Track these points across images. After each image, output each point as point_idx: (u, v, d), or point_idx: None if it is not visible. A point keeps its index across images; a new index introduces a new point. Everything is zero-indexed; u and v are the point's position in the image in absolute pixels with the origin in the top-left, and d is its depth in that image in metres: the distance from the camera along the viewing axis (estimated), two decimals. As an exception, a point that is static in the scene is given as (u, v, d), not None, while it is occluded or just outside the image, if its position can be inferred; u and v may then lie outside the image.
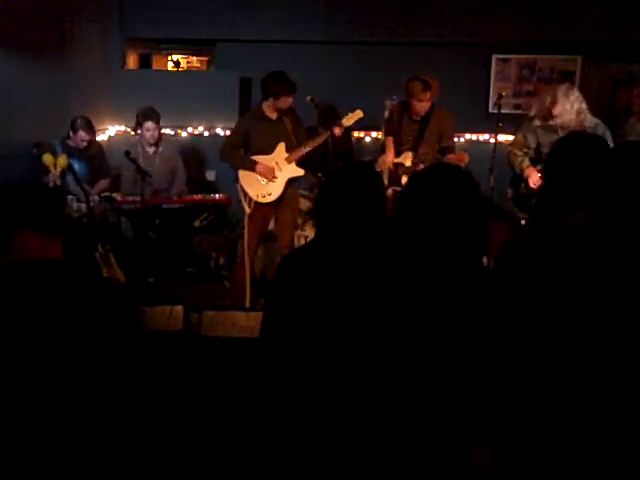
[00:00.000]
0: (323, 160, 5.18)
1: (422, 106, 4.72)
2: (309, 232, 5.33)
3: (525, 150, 4.31)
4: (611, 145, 3.93)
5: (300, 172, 4.75)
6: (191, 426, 2.80)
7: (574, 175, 2.10)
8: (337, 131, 4.67)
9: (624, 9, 6.22)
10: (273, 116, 4.66)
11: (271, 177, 4.66)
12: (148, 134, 5.53)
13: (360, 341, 1.81)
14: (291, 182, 4.76)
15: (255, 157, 4.69)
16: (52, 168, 4.99)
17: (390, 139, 5.00)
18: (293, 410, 1.94)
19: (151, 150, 5.64)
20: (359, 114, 4.77)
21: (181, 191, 5.63)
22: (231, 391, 3.01)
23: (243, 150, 4.80)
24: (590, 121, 4.05)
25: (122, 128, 6.76)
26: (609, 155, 2.17)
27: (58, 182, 5.02)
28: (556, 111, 4.02)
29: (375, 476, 1.71)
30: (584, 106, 4.05)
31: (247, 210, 4.74)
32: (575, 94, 4.05)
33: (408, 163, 4.92)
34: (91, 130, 5.38)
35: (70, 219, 4.77)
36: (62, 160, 5.01)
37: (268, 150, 4.67)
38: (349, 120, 4.75)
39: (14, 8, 5.06)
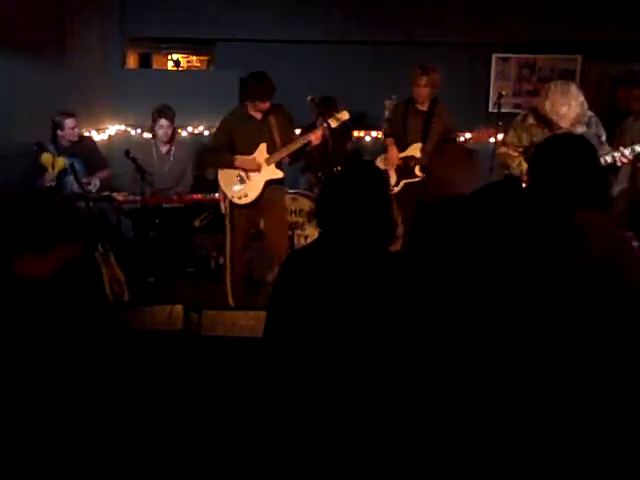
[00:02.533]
0: (323, 160, 5.18)
1: (420, 92, 4.78)
2: (309, 232, 5.34)
3: (520, 150, 4.19)
4: (603, 139, 3.94)
5: (279, 174, 4.61)
6: (191, 426, 2.80)
7: (557, 176, 2.12)
8: (315, 138, 4.53)
9: (624, 9, 6.22)
10: (258, 115, 4.54)
11: (254, 168, 4.55)
12: (161, 131, 5.51)
13: (359, 342, 1.81)
14: (272, 184, 4.62)
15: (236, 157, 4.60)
16: (49, 168, 4.98)
17: (390, 139, 5.01)
18: (295, 410, 1.94)
19: (164, 149, 5.62)
20: (345, 115, 4.65)
21: (182, 191, 5.62)
22: (231, 391, 3.01)
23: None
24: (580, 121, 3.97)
25: (122, 128, 6.76)
26: (593, 155, 2.20)
27: (53, 183, 5.00)
28: (563, 111, 3.90)
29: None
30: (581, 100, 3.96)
31: (222, 210, 4.70)
32: (577, 94, 3.95)
33: (418, 154, 4.93)
34: (73, 117, 5.28)
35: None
36: (61, 162, 4.99)
37: (250, 150, 4.57)
38: (334, 122, 4.64)
39: (14, 8, 5.06)
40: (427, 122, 4.92)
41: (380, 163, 5.09)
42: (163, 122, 5.48)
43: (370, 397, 1.76)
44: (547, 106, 3.89)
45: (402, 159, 4.97)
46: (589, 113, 3.95)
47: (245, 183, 4.61)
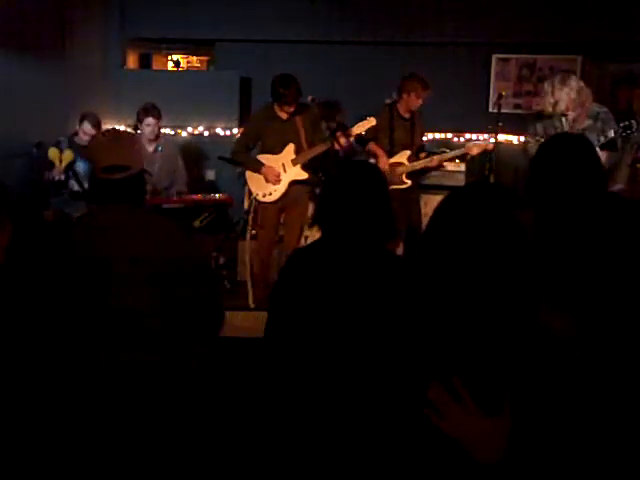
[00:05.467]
0: (324, 160, 5.19)
1: (417, 104, 5.00)
2: (309, 232, 5.34)
3: (537, 138, 4.33)
4: (609, 134, 4.00)
5: (304, 175, 4.78)
6: (191, 426, 2.80)
7: (553, 175, 2.14)
8: (342, 141, 4.68)
9: (624, 9, 6.22)
10: (284, 116, 4.68)
11: (274, 180, 4.72)
12: (148, 129, 5.50)
13: (359, 343, 1.81)
14: (297, 184, 4.79)
15: (263, 157, 4.77)
16: (57, 162, 4.99)
17: (375, 145, 5.07)
18: (294, 410, 1.94)
19: (151, 148, 5.61)
20: (372, 122, 4.77)
21: (181, 191, 5.62)
22: (231, 391, 3.01)
23: (258, 148, 4.87)
24: (591, 110, 4.08)
25: (122, 128, 6.76)
26: (592, 155, 2.22)
27: (62, 177, 5.01)
28: (553, 99, 4.06)
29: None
30: (582, 95, 4.06)
31: (245, 205, 4.92)
32: (572, 82, 4.07)
33: (405, 161, 5.06)
34: (97, 127, 5.32)
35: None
36: (68, 155, 5.01)
37: (277, 150, 4.73)
38: (359, 128, 4.77)
39: (14, 8, 5.06)
40: (411, 130, 5.10)
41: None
42: (150, 120, 5.48)
43: (370, 398, 1.75)
44: (543, 98, 4.06)
45: (390, 165, 5.03)
46: (598, 108, 4.06)
47: (271, 182, 4.77)
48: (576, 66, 6.61)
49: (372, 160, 5.06)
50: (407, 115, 5.07)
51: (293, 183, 4.77)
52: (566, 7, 6.35)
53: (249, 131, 4.91)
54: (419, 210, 5.32)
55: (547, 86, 4.11)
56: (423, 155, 5.23)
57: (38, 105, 5.28)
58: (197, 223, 5.47)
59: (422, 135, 5.33)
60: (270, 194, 4.76)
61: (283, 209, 4.86)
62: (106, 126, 6.61)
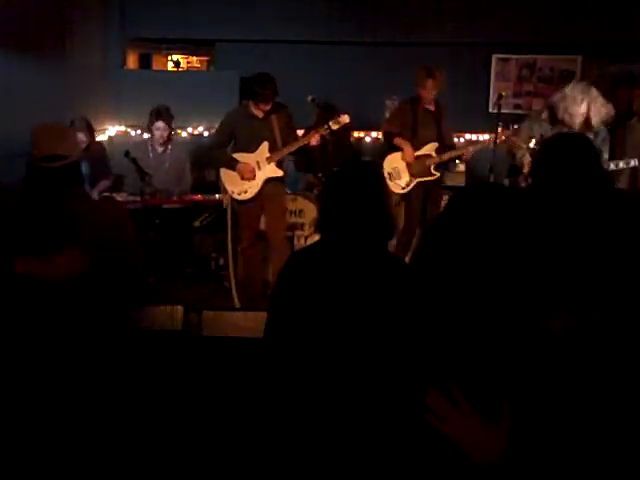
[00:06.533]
0: (323, 160, 5.19)
1: (425, 94, 4.91)
2: (308, 232, 5.34)
3: (529, 142, 4.24)
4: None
5: (279, 173, 4.79)
6: (191, 426, 2.80)
7: (558, 176, 2.13)
8: (314, 140, 4.69)
9: (624, 9, 6.22)
10: (260, 114, 4.69)
11: (249, 176, 4.71)
12: (157, 133, 5.52)
13: (359, 345, 1.81)
14: (272, 181, 4.78)
15: (237, 155, 4.76)
16: None
17: (401, 138, 5.04)
18: (294, 411, 1.93)
19: (161, 149, 5.63)
20: (345, 119, 4.77)
21: (183, 192, 5.62)
22: (231, 391, 3.01)
23: (233, 143, 4.88)
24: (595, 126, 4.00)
25: (122, 128, 6.76)
26: (595, 156, 2.21)
27: None
28: (582, 110, 3.93)
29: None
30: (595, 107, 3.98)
31: (224, 203, 4.98)
32: (600, 99, 3.97)
33: (434, 153, 5.04)
34: (89, 131, 5.35)
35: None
36: None
37: (252, 148, 4.73)
38: (333, 126, 4.76)
39: (14, 8, 5.06)
40: (438, 122, 5.03)
41: (392, 161, 5.09)
42: (160, 124, 5.49)
43: (369, 399, 1.75)
44: (562, 104, 3.96)
45: (417, 157, 5.01)
46: (601, 127, 4.00)
47: (245, 180, 4.76)
48: (576, 66, 6.62)
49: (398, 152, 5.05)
50: (431, 107, 5.01)
51: (268, 180, 4.76)
52: (566, 7, 6.36)
53: (223, 127, 4.89)
54: (439, 207, 5.25)
55: (579, 95, 3.94)
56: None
57: (38, 105, 5.27)
58: (197, 223, 5.48)
59: (448, 131, 5.19)
60: (245, 192, 4.76)
61: (262, 208, 4.86)
62: (104, 126, 6.62)
